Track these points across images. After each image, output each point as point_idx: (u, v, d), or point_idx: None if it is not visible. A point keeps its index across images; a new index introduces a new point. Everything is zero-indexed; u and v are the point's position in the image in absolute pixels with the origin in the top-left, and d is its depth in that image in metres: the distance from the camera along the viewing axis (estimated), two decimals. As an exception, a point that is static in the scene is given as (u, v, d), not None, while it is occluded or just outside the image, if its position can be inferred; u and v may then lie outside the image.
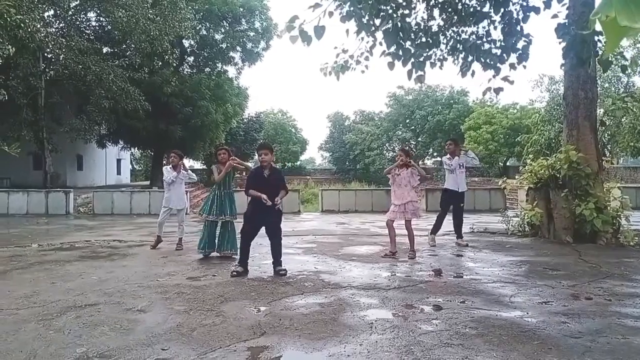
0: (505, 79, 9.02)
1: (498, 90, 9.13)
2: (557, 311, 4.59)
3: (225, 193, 7.81)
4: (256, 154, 6.79)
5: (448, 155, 9.27)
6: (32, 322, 4.32)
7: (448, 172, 9.20)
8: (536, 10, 9.00)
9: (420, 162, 59.20)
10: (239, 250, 6.95)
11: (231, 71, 34.14)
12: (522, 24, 9.17)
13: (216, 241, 7.83)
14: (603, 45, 8.45)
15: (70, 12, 24.16)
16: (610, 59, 8.31)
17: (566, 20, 8.53)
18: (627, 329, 4.03)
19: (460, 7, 9.41)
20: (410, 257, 7.58)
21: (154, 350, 3.62)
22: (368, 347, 3.67)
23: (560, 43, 8.28)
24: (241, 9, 31.20)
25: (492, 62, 9.16)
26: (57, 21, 24.25)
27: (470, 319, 4.35)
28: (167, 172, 8.80)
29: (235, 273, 6.30)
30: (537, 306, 4.79)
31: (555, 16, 8.50)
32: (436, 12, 9.72)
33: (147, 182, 34.80)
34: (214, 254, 7.87)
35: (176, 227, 8.91)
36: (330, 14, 7.93)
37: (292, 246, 9.01)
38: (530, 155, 11.85)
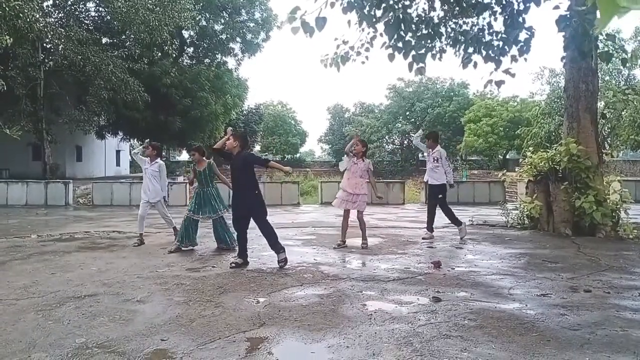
0: (506, 71, 8.98)
1: (500, 83, 9.09)
2: (556, 303, 4.59)
3: (207, 191, 7.79)
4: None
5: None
6: (32, 313, 4.32)
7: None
8: (536, 1, 8.93)
9: (419, 155, 59.19)
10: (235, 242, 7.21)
11: (231, 62, 34.12)
12: (523, 15, 9.11)
13: (194, 235, 7.77)
14: (604, 37, 8.42)
15: (69, 2, 24.09)
16: (610, 51, 8.29)
17: (567, 12, 8.47)
18: (625, 321, 4.03)
19: (461, -3, 9.35)
20: (363, 246, 7.81)
21: (154, 341, 3.62)
22: (367, 338, 3.67)
23: (563, 36, 8.23)
24: (241, 0, 31.06)
25: (493, 55, 9.11)
26: (56, 11, 24.18)
27: (470, 310, 4.35)
28: (141, 160, 8.48)
29: (234, 264, 6.31)
30: (536, 298, 4.80)
31: (556, 7, 8.45)
32: (437, 3, 9.66)
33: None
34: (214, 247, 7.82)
35: (175, 219, 8.83)
36: (332, 4, 7.89)
37: (292, 238, 9.02)
38: (530, 148, 11.83)
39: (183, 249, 7.67)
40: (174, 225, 8.47)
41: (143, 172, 8.44)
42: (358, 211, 8.01)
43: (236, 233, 6.66)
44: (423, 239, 8.81)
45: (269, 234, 6.49)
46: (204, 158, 7.93)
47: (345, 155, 8.16)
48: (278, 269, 6.15)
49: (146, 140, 9.45)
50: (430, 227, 9.08)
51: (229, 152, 6.52)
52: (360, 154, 7.98)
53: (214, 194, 7.86)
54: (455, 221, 8.95)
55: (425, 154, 9.30)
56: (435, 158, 8.97)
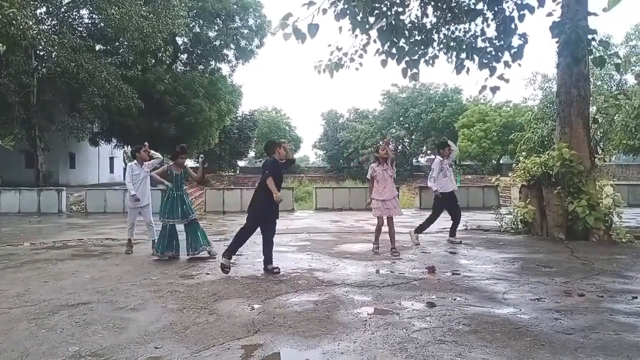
0: (500, 77, 9.05)
1: (495, 89, 9.15)
2: (549, 308, 4.61)
3: (180, 194, 7.68)
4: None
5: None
6: (24, 321, 4.29)
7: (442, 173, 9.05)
8: (530, 8, 9.00)
9: (413, 160, 59.38)
10: (208, 245, 7.59)
11: (225, 69, 34.12)
12: (517, 22, 9.18)
13: (175, 243, 7.66)
14: (597, 44, 8.49)
15: (62, 9, 24.03)
16: (604, 57, 8.35)
17: (561, 19, 8.55)
18: (619, 325, 4.05)
19: (453, 4, 9.42)
20: (396, 255, 7.65)
21: (147, 349, 3.61)
22: (362, 344, 3.67)
23: (556, 42, 8.31)
24: (235, 6, 31.11)
25: (486, 61, 9.17)
26: (50, 18, 24.10)
27: (464, 315, 4.36)
28: (136, 168, 8.21)
29: (227, 270, 6.19)
30: (530, 303, 4.81)
31: (550, 14, 8.53)
32: (430, 9, 9.72)
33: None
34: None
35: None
36: (324, 11, 7.92)
37: (286, 244, 9.00)
38: (524, 153, 11.91)
39: (164, 258, 7.54)
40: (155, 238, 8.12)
41: (134, 179, 8.07)
42: (391, 217, 7.88)
43: (240, 237, 6.46)
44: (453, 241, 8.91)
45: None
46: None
47: (373, 164, 8.00)
48: (272, 276, 6.13)
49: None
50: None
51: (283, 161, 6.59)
52: (388, 159, 7.89)
53: (185, 198, 7.75)
54: (422, 229, 9.07)
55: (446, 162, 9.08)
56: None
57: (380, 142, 8.03)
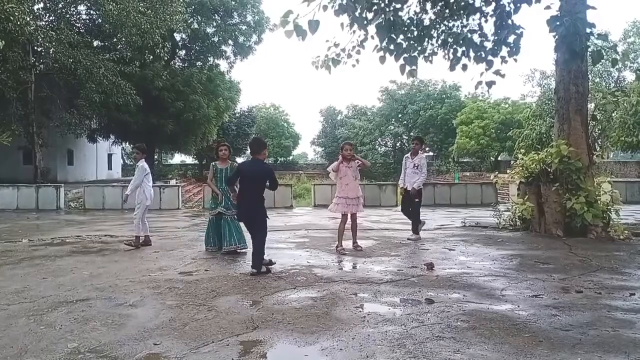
0: (497, 72, 9.03)
1: (490, 84, 9.14)
2: (547, 304, 4.62)
3: (226, 189, 7.63)
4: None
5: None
6: (23, 318, 4.29)
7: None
8: (528, 1, 8.97)
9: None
10: (245, 243, 7.41)
11: (223, 65, 34.03)
12: (513, 15, 9.14)
13: (216, 237, 7.71)
14: (595, 37, 8.47)
15: (60, 5, 23.95)
16: (601, 51, 8.33)
17: (559, 12, 8.52)
18: (616, 322, 4.07)
19: (452, 0, 9.39)
20: (359, 249, 7.83)
21: (146, 345, 3.61)
22: (360, 340, 3.68)
23: (554, 36, 8.28)
24: (233, 2, 31.01)
25: (483, 56, 9.15)
26: (47, 14, 24.02)
27: (462, 312, 4.37)
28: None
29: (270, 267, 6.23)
30: (528, 299, 4.82)
31: (548, 7, 8.50)
32: (428, 5, 9.70)
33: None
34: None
35: (167, 223, 8.79)
36: (325, 7, 7.91)
37: (285, 241, 9.02)
38: (522, 150, 11.88)
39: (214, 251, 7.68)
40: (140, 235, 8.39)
41: (144, 178, 8.37)
42: (354, 213, 7.97)
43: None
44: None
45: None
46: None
47: (334, 164, 8.07)
48: (271, 272, 6.13)
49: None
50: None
51: None
52: (350, 157, 7.95)
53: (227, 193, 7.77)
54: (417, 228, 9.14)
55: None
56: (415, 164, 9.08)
57: (346, 145, 8.14)
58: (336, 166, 7.96)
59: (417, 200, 8.95)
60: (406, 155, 9.33)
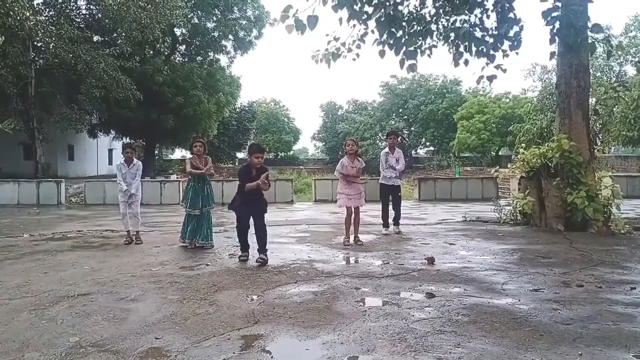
0: (498, 66, 9.02)
1: (491, 78, 9.14)
2: (548, 298, 4.62)
3: (202, 186, 7.70)
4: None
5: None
6: (25, 312, 4.30)
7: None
8: None
9: (412, 151, 59.40)
10: (212, 240, 7.66)
11: (223, 60, 33.93)
12: (514, 10, 9.11)
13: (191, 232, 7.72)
14: (590, 30, 8.45)
15: (60, 0, 23.88)
16: (595, 43, 8.30)
17: (554, 4, 8.48)
18: (617, 316, 4.07)
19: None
20: (360, 243, 7.91)
21: (148, 339, 3.62)
22: (361, 334, 3.68)
23: (550, 29, 8.26)
24: (233, -3, 30.92)
25: (485, 50, 9.14)
26: (47, 9, 23.99)
27: (463, 306, 4.38)
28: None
29: (244, 258, 6.50)
30: (529, 293, 4.83)
31: (543, 0, 8.46)
32: (429, 0, 9.68)
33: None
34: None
35: (168, 218, 8.78)
36: (324, 1, 7.88)
37: (286, 235, 9.02)
38: (523, 145, 11.89)
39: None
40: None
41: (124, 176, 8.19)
42: (357, 207, 7.99)
43: (238, 234, 6.76)
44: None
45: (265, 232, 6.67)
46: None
47: (343, 159, 8.06)
48: (272, 267, 6.15)
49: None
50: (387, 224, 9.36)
51: None
52: (353, 153, 7.96)
53: (211, 187, 7.89)
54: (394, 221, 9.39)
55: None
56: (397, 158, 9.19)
57: (348, 139, 8.13)
58: (344, 169, 7.97)
59: (399, 194, 9.39)
60: (386, 151, 9.31)
